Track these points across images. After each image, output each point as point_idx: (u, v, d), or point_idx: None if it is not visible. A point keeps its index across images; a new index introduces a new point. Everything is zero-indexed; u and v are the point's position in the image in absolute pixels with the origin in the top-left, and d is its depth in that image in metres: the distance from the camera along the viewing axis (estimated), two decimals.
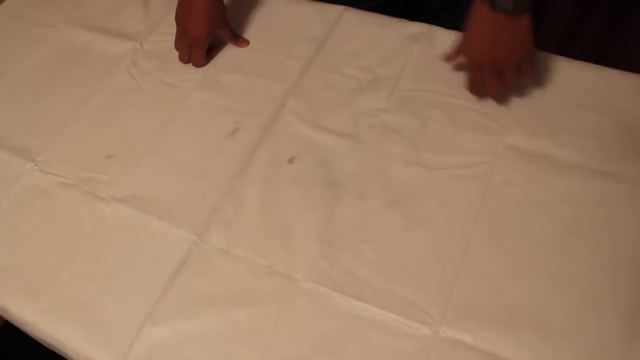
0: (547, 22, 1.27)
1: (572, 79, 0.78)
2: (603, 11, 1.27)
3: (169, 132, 0.82)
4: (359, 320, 0.63)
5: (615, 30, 1.27)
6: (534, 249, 0.65)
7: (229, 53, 0.90)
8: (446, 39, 0.84)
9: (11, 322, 0.71)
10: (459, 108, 0.78)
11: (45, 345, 0.69)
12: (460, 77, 0.80)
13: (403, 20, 0.87)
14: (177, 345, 0.64)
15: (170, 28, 0.94)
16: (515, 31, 0.68)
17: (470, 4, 0.70)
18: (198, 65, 0.88)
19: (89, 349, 0.65)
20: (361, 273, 0.66)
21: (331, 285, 0.66)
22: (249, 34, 0.91)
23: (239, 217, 0.72)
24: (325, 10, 0.91)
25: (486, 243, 0.66)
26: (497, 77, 0.72)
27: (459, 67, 0.79)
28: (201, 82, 0.86)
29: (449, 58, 0.78)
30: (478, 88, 0.77)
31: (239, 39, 0.90)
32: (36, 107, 0.88)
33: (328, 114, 0.80)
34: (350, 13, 0.90)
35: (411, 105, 0.79)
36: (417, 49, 0.84)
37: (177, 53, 0.90)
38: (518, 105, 0.77)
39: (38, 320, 0.68)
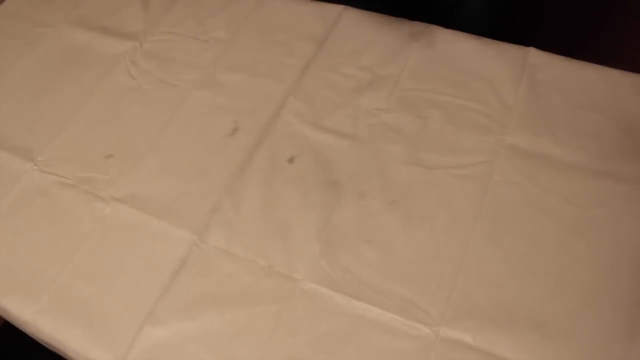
0: (547, 22, 1.27)
1: (572, 78, 0.78)
2: (603, 11, 1.27)
3: (168, 131, 0.82)
4: (359, 320, 0.63)
5: (615, 29, 1.27)
6: (534, 249, 0.65)
7: (229, 53, 0.90)
8: (446, 38, 0.84)
9: (11, 322, 0.71)
10: (458, 108, 0.78)
11: (45, 345, 0.69)
12: (461, 77, 0.80)
13: (403, 20, 0.87)
14: (177, 345, 0.64)
15: (170, 28, 0.94)
16: None
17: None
18: None
19: (89, 349, 0.65)
20: (361, 273, 0.66)
21: (331, 285, 0.66)
22: (249, 33, 0.91)
23: (239, 217, 0.72)
24: (325, 10, 0.91)
25: (486, 243, 0.66)
26: None
27: None
28: (201, 82, 0.86)
29: None
30: None
31: None
32: (36, 106, 0.88)
33: (328, 113, 0.80)
34: (350, 13, 0.90)
35: (411, 105, 0.79)
36: (417, 49, 0.84)
37: (177, 52, 0.90)
38: (518, 105, 0.77)
39: (38, 320, 0.68)
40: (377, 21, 0.88)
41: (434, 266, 0.66)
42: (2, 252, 0.73)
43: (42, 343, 0.69)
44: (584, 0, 1.29)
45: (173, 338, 0.65)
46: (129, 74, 0.89)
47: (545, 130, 0.74)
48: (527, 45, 0.81)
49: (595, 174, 0.70)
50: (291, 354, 0.62)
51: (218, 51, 0.89)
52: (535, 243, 0.66)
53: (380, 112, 0.79)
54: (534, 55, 0.80)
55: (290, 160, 0.76)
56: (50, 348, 0.68)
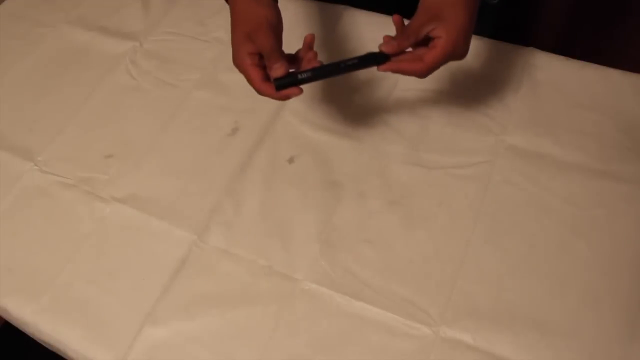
0: (546, 21, 1.27)
1: (572, 78, 0.78)
2: (602, 10, 1.27)
3: (168, 131, 0.82)
4: (359, 320, 0.63)
5: (614, 29, 1.27)
6: (533, 249, 0.65)
7: (229, 53, 0.89)
8: None
9: (11, 322, 0.71)
10: (459, 108, 0.78)
11: (45, 345, 0.69)
12: (461, 77, 0.80)
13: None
14: (177, 345, 0.64)
15: (170, 28, 0.94)
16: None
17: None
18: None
19: (89, 349, 0.65)
20: (361, 273, 0.66)
21: (331, 285, 0.66)
22: None
23: (239, 217, 0.72)
24: (325, 10, 0.91)
25: (486, 243, 0.66)
26: None
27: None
28: (201, 82, 0.86)
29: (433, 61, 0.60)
30: None
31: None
32: (36, 106, 0.88)
33: (328, 113, 0.80)
34: (350, 13, 0.90)
35: (411, 105, 0.79)
36: None
37: (177, 52, 0.90)
38: (518, 105, 0.77)
39: (38, 320, 0.68)
40: (377, 21, 0.88)
41: (434, 266, 0.66)
42: (2, 252, 0.73)
43: (42, 343, 0.69)
44: (584, 0, 1.29)
45: (173, 338, 0.65)
46: (129, 74, 0.89)
47: (545, 130, 0.74)
48: (527, 45, 0.81)
49: (595, 174, 0.70)
50: (291, 354, 0.62)
51: (218, 51, 0.89)
52: (535, 243, 0.66)
53: (381, 112, 0.79)
54: (534, 55, 0.80)
55: (290, 160, 0.76)
56: (50, 348, 0.68)
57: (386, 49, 0.61)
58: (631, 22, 1.26)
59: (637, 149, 0.71)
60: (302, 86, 0.61)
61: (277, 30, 0.63)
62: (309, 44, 0.63)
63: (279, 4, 0.67)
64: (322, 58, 0.84)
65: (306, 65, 0.62)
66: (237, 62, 0.63)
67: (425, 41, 0.61)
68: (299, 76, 0.60)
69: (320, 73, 0.61)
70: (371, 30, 0.87)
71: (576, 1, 1.29)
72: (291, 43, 0.90)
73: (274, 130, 0.79)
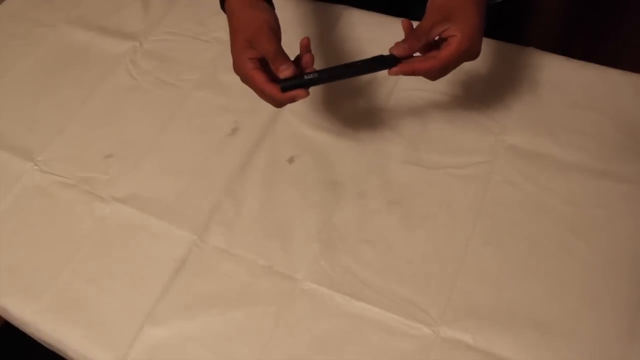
0: (546, 21, 1.27)
1: (571, 78, 0.78)
2: (602, 10, 1.27)
3: (168, 131, 0.82)
4: (359, 320, 0.63)
5: (614, 29, 1.27)
6: (533, 249, 0.65)
7: (229, 53, 0.89)
8: None
9: (11, 322, 0.71)
10: (459, 108, 0.78)
11: (45, 345, 0.69)
12: (461, 77, 0.80)
13: (403, 19, 0.87)
14: (177, 345, 0.64)
15: (170, 28, 0.94)
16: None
17: None
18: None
19: (89, 349, 0.65)
20: (361, 273, 0.66)
21: (331, 285, 0.66)
22: None
23: (239, 217, 0.72)
24: (325, 10, 0.91)
25: (486, 243, 0.66)
26: None
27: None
28: (201, 82, 0.86)
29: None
30: None
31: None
32: (36, 106, 0.88)
33: (328, 114, 0.80)
34: (350, 13, 0.90)
35: (411, 105, 0.79)
36: None
37: (177, 52, 0.90)
38: (518, 105, 0.77)
39: (38, 320, 0.68)
40: (377, 20, 0.88)
41: (434, 266, 0.66)
42: (2, 252, 0.74)
43: (42, 343, 0.69)
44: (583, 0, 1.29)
45: (173, 338, 0.65)
46: (129, 74, 0.89)
47: (545, 130, 0.74)
48: (527, 45, 0.81)
49: (595, 174, 0.70)
50: (291, 354, 0.62)
51: (218, 51, 0.89)
52: (535, 243, 0.66)
53: (381, 112, 0.79)
54: (534, 55, 0.80)
55: (290, 160, 0.76)
56: (50, 348, 0.68)
57: (397, 52, 0.60)
58: (630, 23, 1.26)
59: (637, 149, 0.71)
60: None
61: (277, 34, 0.63)
62: (305, 47, 0.63)
63: (278, 4, 0.67)
64: (321, 58, 0.85)
65: (304, 69, 0.62)
66: (239, 69, 0.63)
67: (435, 44, 0.60)
68: (306, 77, 0.60)
69: (327, 75, 0.61)
70: (370, 30, 0.87)
71: (576, 1, 1.29)
72: (290, 43, 0.90)
73: (274, 130, 0.79)
